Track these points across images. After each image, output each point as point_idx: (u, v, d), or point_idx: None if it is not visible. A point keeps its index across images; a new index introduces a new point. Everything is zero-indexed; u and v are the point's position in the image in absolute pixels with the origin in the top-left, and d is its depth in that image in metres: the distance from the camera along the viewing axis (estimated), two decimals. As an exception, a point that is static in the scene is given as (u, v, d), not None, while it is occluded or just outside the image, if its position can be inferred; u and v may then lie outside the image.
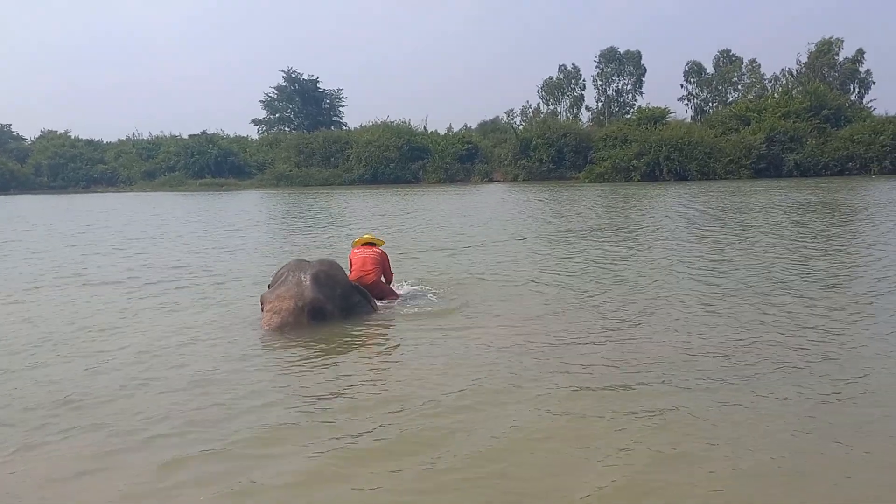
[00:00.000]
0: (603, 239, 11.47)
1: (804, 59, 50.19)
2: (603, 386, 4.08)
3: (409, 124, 46.53)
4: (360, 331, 5.59)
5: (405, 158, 42.43)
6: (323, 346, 5.12)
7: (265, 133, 57.26)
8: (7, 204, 30.35)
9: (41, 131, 54.10)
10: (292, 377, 4.41)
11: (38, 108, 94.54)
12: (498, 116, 56.90)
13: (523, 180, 39.01)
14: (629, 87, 56.40)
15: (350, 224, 15.62)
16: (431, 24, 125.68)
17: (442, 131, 47.86)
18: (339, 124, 57.62)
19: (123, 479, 3.04)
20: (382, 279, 6.65)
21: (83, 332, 5.63)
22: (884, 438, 3.33)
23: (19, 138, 55.31)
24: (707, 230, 12.31)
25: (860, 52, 49.25)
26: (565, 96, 57.81)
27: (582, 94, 57.47)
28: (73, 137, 51.67)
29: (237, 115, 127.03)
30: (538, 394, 3.96)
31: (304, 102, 57.89)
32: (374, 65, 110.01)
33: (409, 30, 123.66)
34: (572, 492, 2.84)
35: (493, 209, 19.27)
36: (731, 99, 51.55)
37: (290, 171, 43.15)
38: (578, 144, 39.47)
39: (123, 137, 53.04)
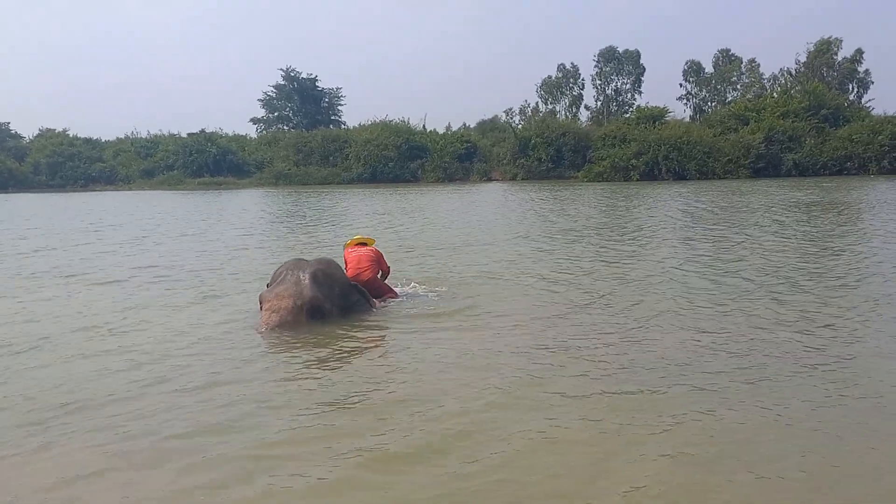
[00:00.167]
0: (606, 238, 11.46)
1: (803, 58, 50.27)
2: (612, 388, 4.04)
3: (408, 123, 46.54)
4: (360, 330, 5.58)
5: (404, 157, 42.37)
6: (322, 345, 5.12)
7: (264, 132, 57.17)
8: (5, 203, 30.28)
9: (39, 129, 54.01)
10: (293, 378, 4.39)
11: (38, 108, 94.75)
12: (497, 115, 56.90)
13: (522, 179, 38.98)
14: (628, 86, 56.44)
15: (349, 223, 15.61)
16: (431, 24, 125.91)
17: (441, 130, 47.86)
18: (338, 123, 57.56)
19: (128, 483, 3.02)
20: (379, 276, 6.67)
21: (84, 333, 5.62)
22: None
23: (17, 136, 55.18)
24: (711, 229, 12.30)
25: (859, 51, 49.32)
26: (564, 95, 57.79)
27: (581, 94, 57.50)
28: (71, 136, 51.53)
29: (236, 113, 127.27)
30: (545, 396, 3.92)
31: (302, 101, 57.80)
32: (374, 65, 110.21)
33: (408, 30, 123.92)
34: (587, 498, 2.81)
35: (493, 208, 19.26)
36: (729, 98, 51.56)
37: (289, 169, 43.08)
38: (577, 144, 39.43)
39: (122, 136, 53.01)
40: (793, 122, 36.47)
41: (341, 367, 4.64)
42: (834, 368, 4.33)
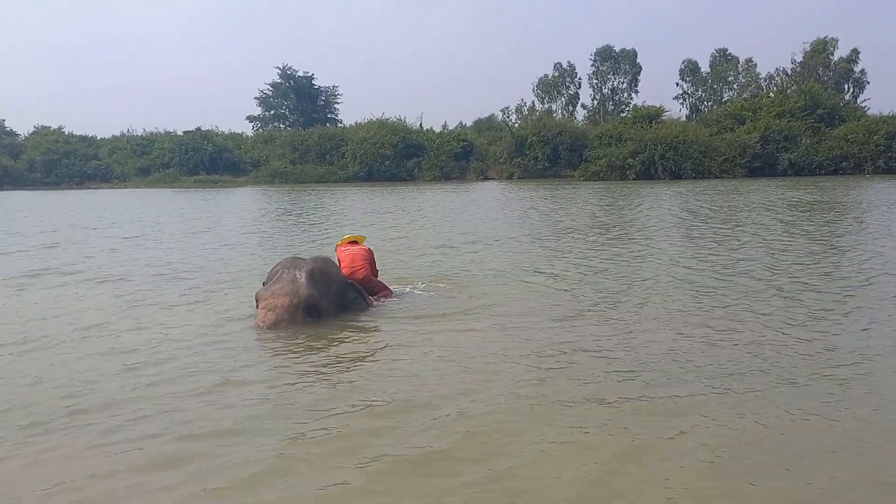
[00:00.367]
0: (605, 237, 11.46)
1: (799, 58, 50.37)
2: (622, 390, 3.98)
3: (405, 122, 46.51)
4: (357, 329, 5.57)
5: (400, 156, 42.33)
6: (319, 344, 5.10)
7: (260, 130, 57.06)
8: (1, 200, 30.16)
9: (35, 127, 53.80)
10: (290, 379, 4.36)
11: (38, 108, 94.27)
12: (493, 114, 56.92)
13: (518, 178, 39.01)
14: (624, 85, 56.40)
15: (347, 222, 15.60)
16: (430, 24, 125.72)
17: (437, 129, 47.80)
18: (335, 121, 57.48)
19: (129, 485, 2.99)
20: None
21: (82, 332, 5.59)
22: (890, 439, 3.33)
23: (13, 134, 54.88)
24: (709, 229, 12.31)
25: (855, 51, 49.42)
26: (561, 94, 57.78)
27: (577, 93, 57.49)
28: (66, 133, 51.37)
29: (232, 112, 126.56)
30: (549, 398, 3.88)
31: (299, 99, 57.68)
32: (373, 65, 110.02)
33: (408, 30, 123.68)
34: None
35: (491, 207, 19.25)
36: (726, 98, 51.64)
37: (285, 168, 42.99)
38: (574, 143, 39.44)
39: (118, 133, 52.87)
40: (789, 121, 36.56)
41: (339, 367, 4.61)
42: (847, 369, 4.32)
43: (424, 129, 46.45)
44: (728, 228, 12.23)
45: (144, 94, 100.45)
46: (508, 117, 57.12)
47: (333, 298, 5.82)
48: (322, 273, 5.83)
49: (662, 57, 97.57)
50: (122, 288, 7.53)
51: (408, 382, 4.20)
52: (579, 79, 57.07)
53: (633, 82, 56.10)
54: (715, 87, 54.23)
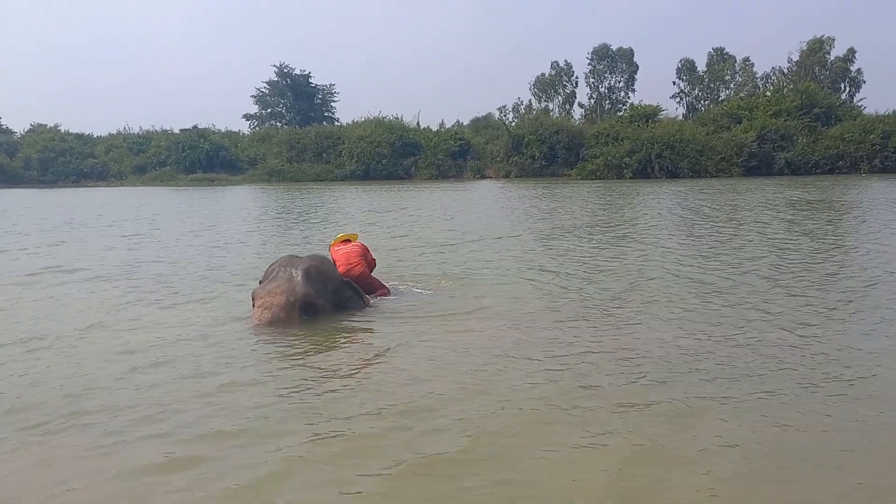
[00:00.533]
0: (603, 236, 11.45)
1: (795, 57, 50.48)
2: (617, 389, 3.95)
3: (402, 120, 46.50)
4: (353, 328, 5.56)
5: (397, 154, 42.35)
6: (315, 344, 5.09)
7: (257, 128, 56.98)
8: (-4, 198, 30.11)
9: (31, 125, 53.75)
10: (287, 378, 4.34)
11: (36, 107, 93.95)
12: (490, 113, 56.95)
13: (515, 177, 39.04)
14: (621, 84, 56.45)
15: (344, 221, 15.60)
16: (428, 23, 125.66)
17: (434, 127, 47.82)
18: (332, 120, 57.44)
19: (129, 485, 2.98)
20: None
21: (80, 332, 5.56)
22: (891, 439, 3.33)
23: (9, 132, 54.75)
24: (708, 227, 12.32)
25: (851, 50, 49.52)
26: (557, 93, 57.83)
27: (574, 92, 57.55)
28: (63, 131, 51.29)
29: (228, 110, 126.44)
30: (545, 397, 3.85)
31: (296, 97, 57.63)
32: (371, 64, 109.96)
33: (406, 29, 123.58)
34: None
35: (489, 205, 19.25)
36: (722, 97, 51.71)
37: (282, 166, 42.97)
38: (570, 141, 39.50)
39: (114, 132, 52.77)
40: (785, 120, 36.65)
41: (339, 368, 4.55)
42: (829, 367, 4.33)
43: (421, 127, 46.51)
44: (732, 227, 12.21)
45: (141, 92, 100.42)
46: (505, 116, 57.26)
47: (330, 297, 5.82)
48: (318, 271, 5.82)
49: (659, 56, 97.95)
50: (121, 287, 7.51)
51: (408, 384, 4.13)
52: (576, 78, 57.21)
53: (630, 81, 56.18)
54: (712, 86, 54.32)
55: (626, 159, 35.47)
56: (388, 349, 4.95)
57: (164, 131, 50.04)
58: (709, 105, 51.64)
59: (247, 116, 59.64)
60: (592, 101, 57.30)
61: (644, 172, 35.14)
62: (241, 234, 13.14)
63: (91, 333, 5.49)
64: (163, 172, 44.00)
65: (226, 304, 6.43)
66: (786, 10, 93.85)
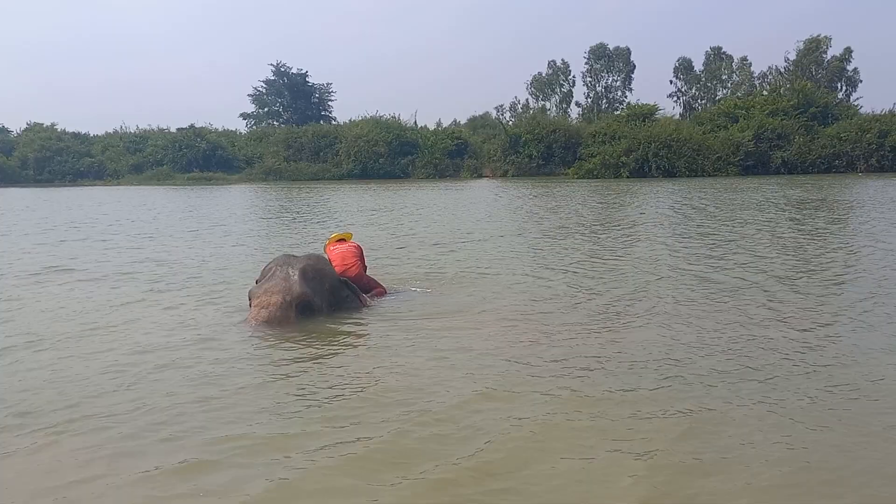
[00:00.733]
0: (602, 235, 11.45)
1: (792, 56, 50.57)
2: (620, 390, 3.94)
3: (399, 119, 46.50)
4: (350, 327, 5.55)
5: (394, 153, 42.34)
6: (312, 343, 5.08)
7: (254, 127, 56.91)
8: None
9: (27, 124, 53.54)
10: (284, 378, 4.33)
11: (29, 106, 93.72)
12: (487, 112, 56.96)
13: (513, 176, 39.04)
14: (618, 83, 56.56)
15: (342, 220, 15.58)
16: (426, 22, 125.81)
17: (431, 126, 47.85)
18: (329, 119, 57.39)
19: (130, 487, 2.98)
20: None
21: (79, 332, 5.55)
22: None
23: (5, 131, 54.54)
24: (706, 227, 12.31)
25: (848, 50, 49.63)
26: (554, 92, 57.87)
27: (571, 91, 57.61)
28: (59, 130, 51.16)
29: (225, 108, 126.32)
30: (545, 397, 3.83)
31: (293, 97, 57.58)
32: (369, 63, 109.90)
33: (403, 28, 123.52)
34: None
35: (486, 205, 19.25)
36: (719, 96, 51.78)
37: (279, 165, 42.90)
38: (567, 141, 39.52)
39: (111, 130, 52.65)
40: (782, 120, 36.69)
41: (331, 366, 4.56)
42: (834, 368, 4.32)
43: (419, 126, 46.49)
44: (735, 226, 12.20)
45: (138, 91, 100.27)
46: (502, 115, 57.29)
47: (326, 296, 5.82)
48: (315, 270, 5.82)
49: (656, 55, 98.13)
50: (121, 287, 7.49)
51: (416, 387, 4.09)
52: (573, 77, 57.34)
53: (627, 80, 56.28)
54: (709, 85, 54.45)
55: (623, 158, 35.47)
56: (383, 349, 4.93)
57: (161, 130, 49.98)
58: (706, 104, 51.76)
59: (244, 115, 59.63)
60: (589, 100, 57.40)
61: (641, 171, 35.15)
62: (240, 233, 13.10)
63: (92, 334, 5.47)
64: (159, 171, 43.90)
65: (226, 305, 6.42)
66: (783, 10, 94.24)
